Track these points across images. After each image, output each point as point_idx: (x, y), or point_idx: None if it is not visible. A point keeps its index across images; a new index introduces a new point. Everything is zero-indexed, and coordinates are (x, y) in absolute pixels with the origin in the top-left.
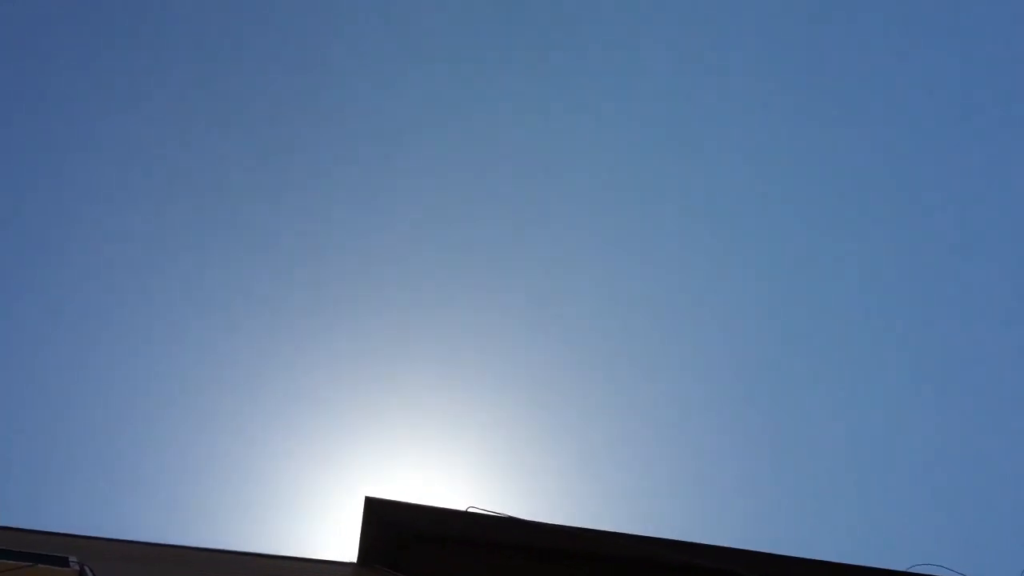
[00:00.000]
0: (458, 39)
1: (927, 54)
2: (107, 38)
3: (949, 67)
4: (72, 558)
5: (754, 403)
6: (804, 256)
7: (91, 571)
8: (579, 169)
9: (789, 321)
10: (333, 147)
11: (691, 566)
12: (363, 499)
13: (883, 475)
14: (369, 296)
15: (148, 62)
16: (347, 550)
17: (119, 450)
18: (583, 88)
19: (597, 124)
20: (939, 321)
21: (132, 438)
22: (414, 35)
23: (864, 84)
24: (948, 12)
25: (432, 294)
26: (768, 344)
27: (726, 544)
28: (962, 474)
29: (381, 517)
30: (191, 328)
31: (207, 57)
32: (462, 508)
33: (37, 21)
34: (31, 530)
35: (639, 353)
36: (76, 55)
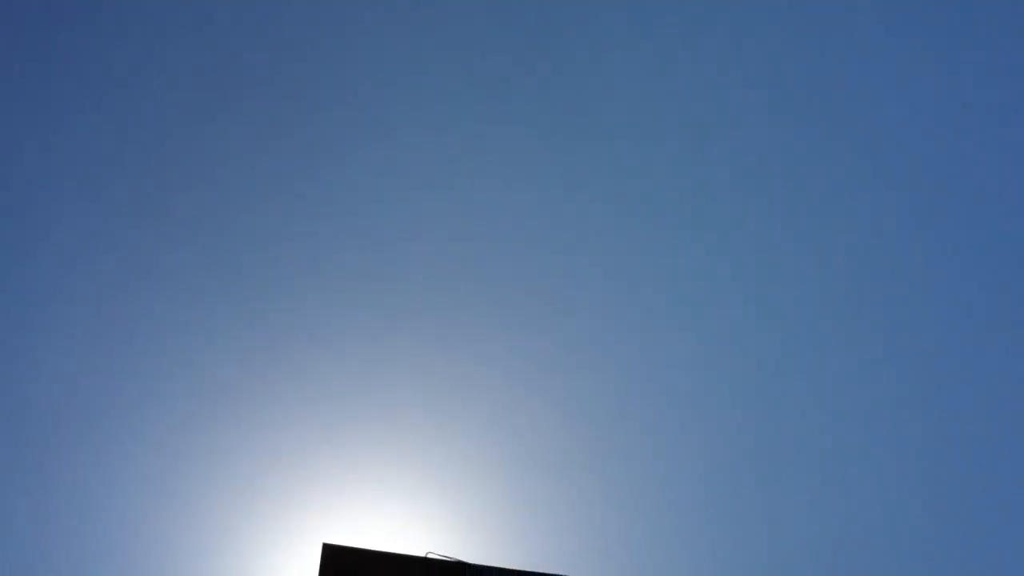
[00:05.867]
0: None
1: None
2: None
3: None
4: None
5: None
6: (803, 259)
7: None
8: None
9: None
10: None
11: None
12: (320, 546)
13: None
14: (331, 337)
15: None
16: None
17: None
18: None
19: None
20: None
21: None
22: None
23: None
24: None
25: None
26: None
27: None
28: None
29: (338, 564)
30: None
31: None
32: (420, 554)
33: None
34: None
35: (602, 396)
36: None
